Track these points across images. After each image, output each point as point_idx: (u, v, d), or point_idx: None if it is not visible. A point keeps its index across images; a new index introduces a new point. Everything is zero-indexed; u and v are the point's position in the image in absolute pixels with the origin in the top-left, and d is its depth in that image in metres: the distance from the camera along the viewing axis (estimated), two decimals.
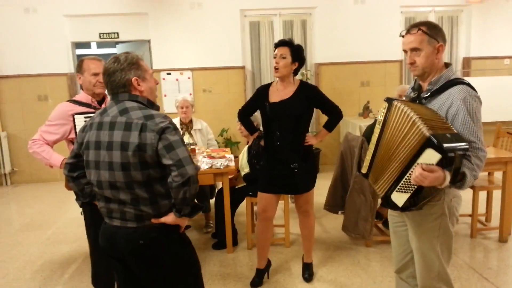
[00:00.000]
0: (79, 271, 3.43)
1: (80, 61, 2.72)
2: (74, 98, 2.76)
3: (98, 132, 1.79)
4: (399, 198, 1.84)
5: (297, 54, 2.84)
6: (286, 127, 2.86)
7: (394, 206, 1.88)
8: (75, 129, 2.62)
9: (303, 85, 2.92)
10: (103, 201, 1.84)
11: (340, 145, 3.95)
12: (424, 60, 1.88)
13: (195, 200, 2.17)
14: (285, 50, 2.81)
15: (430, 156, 1.65)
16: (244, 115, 3.15)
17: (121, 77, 1.79)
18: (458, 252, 3.47)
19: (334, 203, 3.83)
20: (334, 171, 3.87)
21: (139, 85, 1.82)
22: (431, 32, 1.86)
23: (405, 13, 6.57)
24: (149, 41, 6.39)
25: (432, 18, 6.57)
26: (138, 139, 1.69)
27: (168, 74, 6.37)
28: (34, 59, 6.14)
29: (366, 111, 6.08)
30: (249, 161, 3.68)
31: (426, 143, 1.66)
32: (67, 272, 3.42)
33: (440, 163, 1.64)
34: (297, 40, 6.49)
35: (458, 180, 1.68)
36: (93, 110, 2.64)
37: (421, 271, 2.00)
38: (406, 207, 1.83)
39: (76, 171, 1.95)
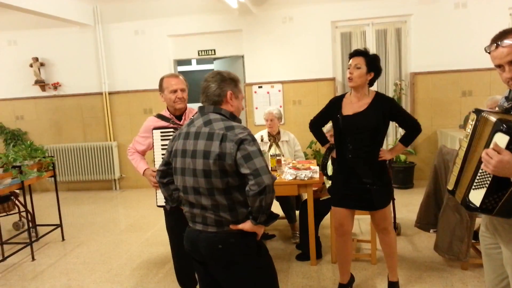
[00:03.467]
0: (172, 271, 3.66)
1: (160, 80, 2.84)
2: (160, 113, 2.92)
3: (184, 141, 1.94)
4: (476, 196, 1.67)
5: (373, 64, 2.74)
6: (359, 140, 2.76)
7: (473, 208, 1.70)
8: (153, 142, 2.84)
9: (379, 97, 2.80)
10: (188, 206, 1.98)
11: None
12: None
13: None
14: (359, 60, 2.73)
15: (500, 140, 1.54)
16: (316, 126, 3.11)
17: (219, 87, 1.93)
18: None
19: (426, 221, 3.61)
20: (427, 187, 3.65)
21: (231, 99, 1.95)
22: None
23: None
24: (242, 56, 6.68)
25: None
26: (218, 148, 1.81)
27: (260, 87, 6.57)
28: (141, 76, 6.77)
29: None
30: None
31: (494, 128, 1.57)
32: (161, 272, 3.70)
33: (509, 147, 1.51)
34: (391, 49, 6.31)
35: None
36: (172, 126, 2.80)
37: None
38: (486, 208, 1.64)
39: (166, 178, 2.12)
